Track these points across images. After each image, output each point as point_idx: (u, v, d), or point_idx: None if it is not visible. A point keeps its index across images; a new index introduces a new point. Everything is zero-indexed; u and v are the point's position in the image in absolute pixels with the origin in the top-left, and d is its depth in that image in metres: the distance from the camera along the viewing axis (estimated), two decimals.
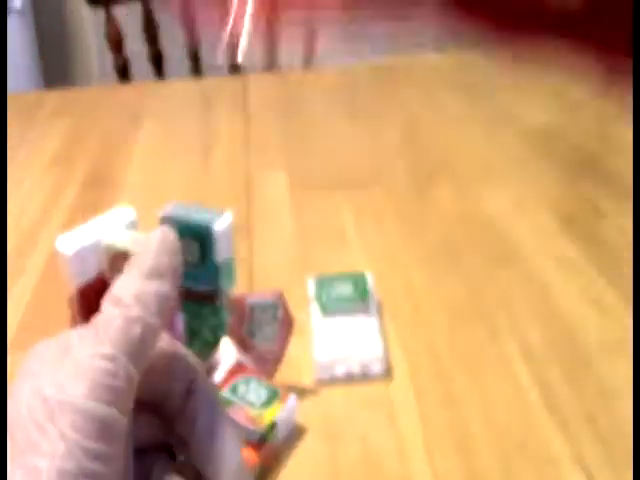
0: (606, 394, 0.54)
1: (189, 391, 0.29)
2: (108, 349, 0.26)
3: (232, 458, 0.29)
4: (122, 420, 0.26)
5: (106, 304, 0.27)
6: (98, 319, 0.27)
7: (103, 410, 0.25)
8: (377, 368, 0.56)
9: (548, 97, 1.07)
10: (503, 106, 1.05)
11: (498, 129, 0.98)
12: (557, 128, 0.97)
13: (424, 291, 0.67)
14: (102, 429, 0.25)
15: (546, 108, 1.04)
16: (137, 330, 0.26)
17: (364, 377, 0.56)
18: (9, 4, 2.02)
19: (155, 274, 0.28)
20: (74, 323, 0.53)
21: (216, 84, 1.24)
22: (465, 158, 0.91)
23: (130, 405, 0.26)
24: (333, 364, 0.56)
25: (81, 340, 0.26)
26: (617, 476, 0.47)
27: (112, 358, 0.26)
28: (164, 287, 0.28)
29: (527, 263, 0.69)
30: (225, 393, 0.49)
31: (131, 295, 0.27)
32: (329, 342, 0.58)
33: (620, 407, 0.52)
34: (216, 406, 0.30)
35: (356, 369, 0.56)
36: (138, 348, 0.26)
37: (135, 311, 0.27)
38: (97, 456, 0.24)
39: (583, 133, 0.96)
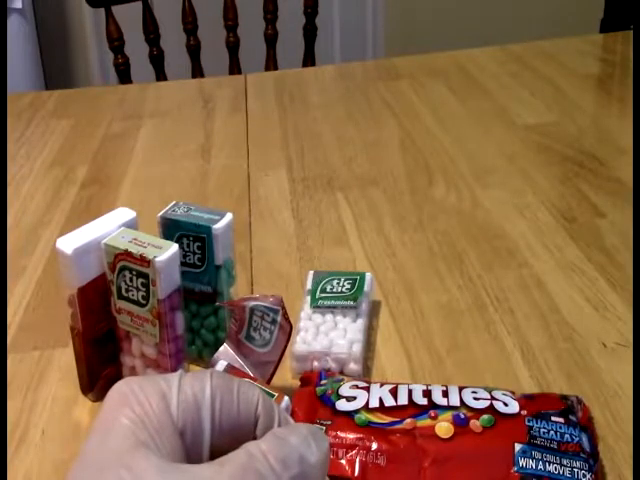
0: (606, 394, 0.54)
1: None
2: None
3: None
4: None
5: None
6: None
7: None
8: (353, 368, 0.56)
9: (547, 96, 1.07)
10: (502, 105, 1.05)
11: (497, 128, 0.98)
12: (556, 127, 0.97)
13: (424, 291, 0.67)
14: None
15: (545, 107, 1.04)
16: None
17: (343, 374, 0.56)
18: (9, 4, 2.02)
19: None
20: (74, 322, 0.53)
21: (216, 84, 1.24)
22: (465, 158, 0.91)
23: None
24: (309, 358, 0.56)
25: None
26: (617, 475, 0.47)
27: None
28: None
29: (527, 263, 0.69)
30: None
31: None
32: (310, 336, 0.57)
33: (620, 407, 0.52)
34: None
35: (332, 366, 0.56)
36: None
37: None
38: None
39: (582, 132, 0.96)
